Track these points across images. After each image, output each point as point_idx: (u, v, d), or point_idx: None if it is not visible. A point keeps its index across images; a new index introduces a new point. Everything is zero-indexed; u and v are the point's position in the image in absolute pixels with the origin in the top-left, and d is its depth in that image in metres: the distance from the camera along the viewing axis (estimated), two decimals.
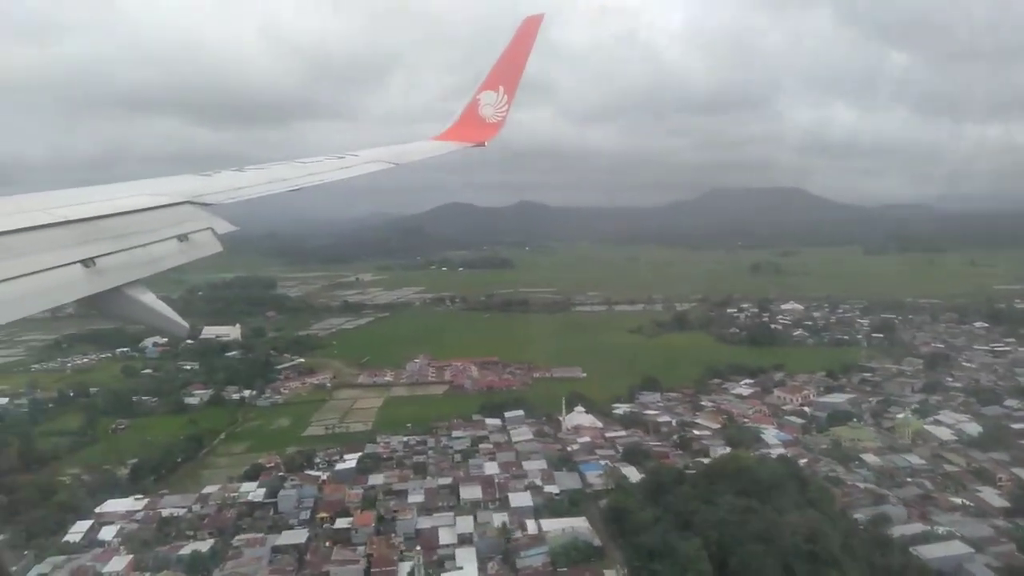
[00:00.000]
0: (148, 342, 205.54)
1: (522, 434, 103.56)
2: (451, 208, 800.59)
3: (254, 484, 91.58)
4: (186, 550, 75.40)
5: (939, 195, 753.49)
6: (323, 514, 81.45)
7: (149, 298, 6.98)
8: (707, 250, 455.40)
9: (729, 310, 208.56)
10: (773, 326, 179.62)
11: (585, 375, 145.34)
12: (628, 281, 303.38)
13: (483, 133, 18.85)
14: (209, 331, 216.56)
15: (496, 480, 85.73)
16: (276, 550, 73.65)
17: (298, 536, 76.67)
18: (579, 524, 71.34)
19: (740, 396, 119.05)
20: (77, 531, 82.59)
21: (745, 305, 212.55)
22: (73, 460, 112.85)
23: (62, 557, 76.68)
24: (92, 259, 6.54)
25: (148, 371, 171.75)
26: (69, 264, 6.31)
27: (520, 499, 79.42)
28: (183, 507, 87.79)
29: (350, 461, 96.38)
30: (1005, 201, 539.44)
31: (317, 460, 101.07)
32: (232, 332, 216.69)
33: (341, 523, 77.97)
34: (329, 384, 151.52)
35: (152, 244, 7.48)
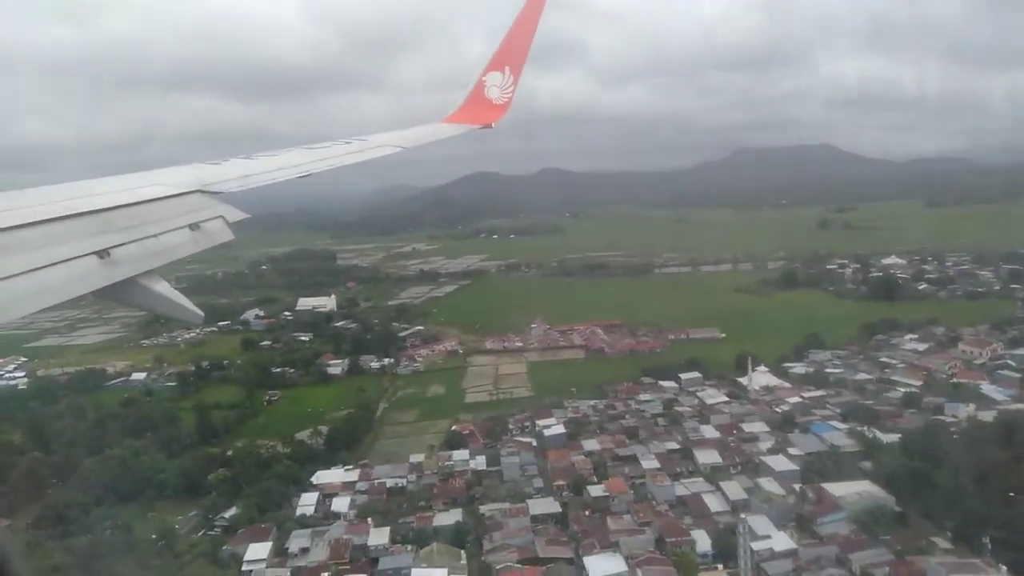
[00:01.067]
0: (250, 314, 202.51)
1: (712, 396, 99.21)
2: (476, 178, 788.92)
3: (465, 452, 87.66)
4: (439, 520, 71.63)
5: (965, 148, 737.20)
6: (560, 481, 77.38)
7: (163, 287, 6.80)
8: (751, 210, 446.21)
9: (828, 266, 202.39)
10: (892, 281, 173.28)
11: (724, 335, 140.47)
12: (695, 242, 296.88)
13: (490, 115, 18.36)
14: (304, 302, 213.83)
15: (728, 443, 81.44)
16: (535, 519, 69.65)
17: (549, 505, 72.54)
18: (867, 488, 66.71)
19: (916, 352, 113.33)
20: (306, 504, 79.06)
21: (841, 261, 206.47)
22: (245, 431, 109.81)
23: (306, 530, 73.18)
24: (106, 250, 6.39)
25: (267, 343, 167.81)
26: (84, 256, 6.18)
27: (777, 463, 74.92)
28: (398, 477, 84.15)
29: (554, 427, 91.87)
30: None
31: (511, 427, 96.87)
32: (328, 303, 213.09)
33: (593, 491, 73.60)
34: (461, 351, 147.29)
35: (164, 234, 7.28)
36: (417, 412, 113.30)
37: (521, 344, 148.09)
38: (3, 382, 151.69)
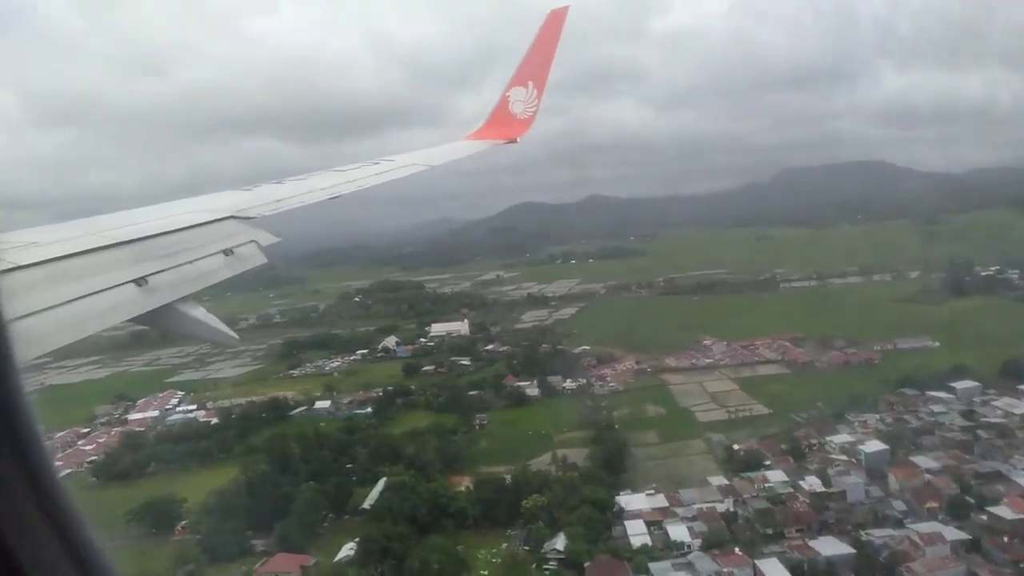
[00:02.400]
0: (389, 342, 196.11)
1: (1012, 404, 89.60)
2: (524, 208, 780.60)
3: (779, 473, 78.97)
4: (819, 548, 62.88)
5: (1015, 157, 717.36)
6: (931, 503, 68.41)
7: (200, 312, 6.87)
8: (826, 227, 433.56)
9: (983, 273, 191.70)
10: None
11: (938, 344, 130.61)
12: (798, 258, 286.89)
13: (514, 130, 18.05)
14: (438, 328, 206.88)
15: None
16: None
17: (948, 530, 63.38)
18: None
19: None
20: (637, 532, 70.79)
21: (994, 268, 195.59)
22: (478, 457, 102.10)
23: (663, 564, 64.76)
24: (144, 278, 6.51)
25: (428, 368, 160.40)
26: (123, 284, 6.30)
27: None
28: (714, 501, 75.69)
29: (872, 444, 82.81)
30: None
31: (802, 445, 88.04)
32: (461, 327, 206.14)
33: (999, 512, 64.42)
34: (648, 369, 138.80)
35: (199, 260, 7.39)
36: (655, 432, 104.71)
37: (710, 361, 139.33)
38: (179, 416, 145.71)
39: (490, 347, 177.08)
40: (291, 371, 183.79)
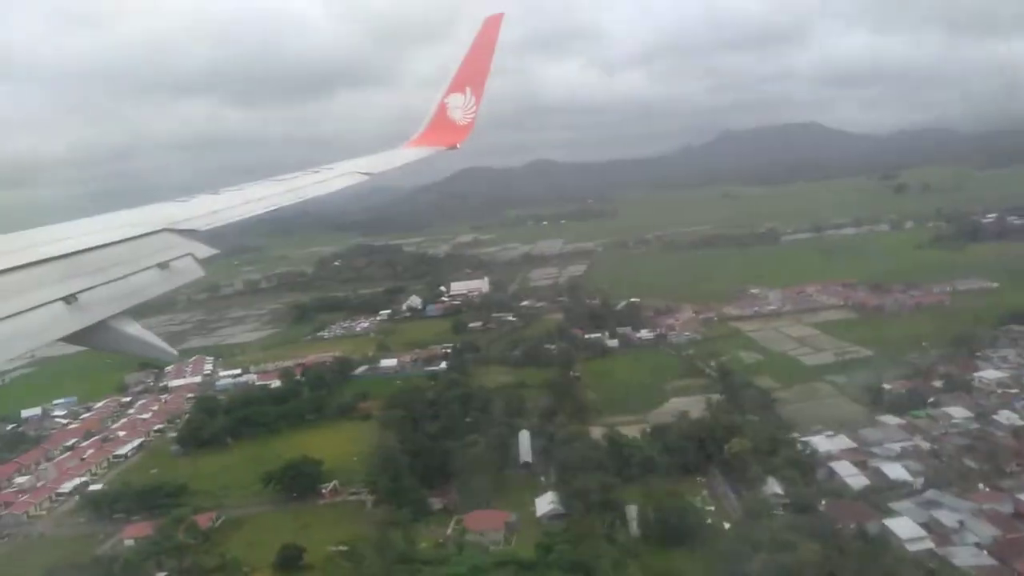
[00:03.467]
0: (414, 302, 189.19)
1: None
2: (470, 173, 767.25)
3: (961, 409, 76.96)
4: None
5: (939, 118, 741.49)
6: None
7: (135, 328, 6.53)
8: (784, 184, 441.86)
9: (984, 221, 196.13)
10: None
11: (996, 284, 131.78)
12: (776, 212, 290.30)
13: (454, 136, 17.83)
14: (458, 287, 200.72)
15: None
16: None
17: None
18: None
19: None
20: (849, 473, 67.53)
21: (991, 216, 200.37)
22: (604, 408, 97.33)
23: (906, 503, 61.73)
24: (74, 295, 6.18)
25: (475, 325, 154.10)
26: (51, 302, 5.97)
27: None
28: (901, 441, 73.22)
29: None
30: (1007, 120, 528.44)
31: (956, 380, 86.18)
32: (482, 285, 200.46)
33: None
34: (715, 318, 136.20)
35: (133, 275, 7.05)
36: (769, 378, 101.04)
37: (773, 308, 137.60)
38: (228, 381, 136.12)
39: (525, 303, 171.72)
40: (319, 333, 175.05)
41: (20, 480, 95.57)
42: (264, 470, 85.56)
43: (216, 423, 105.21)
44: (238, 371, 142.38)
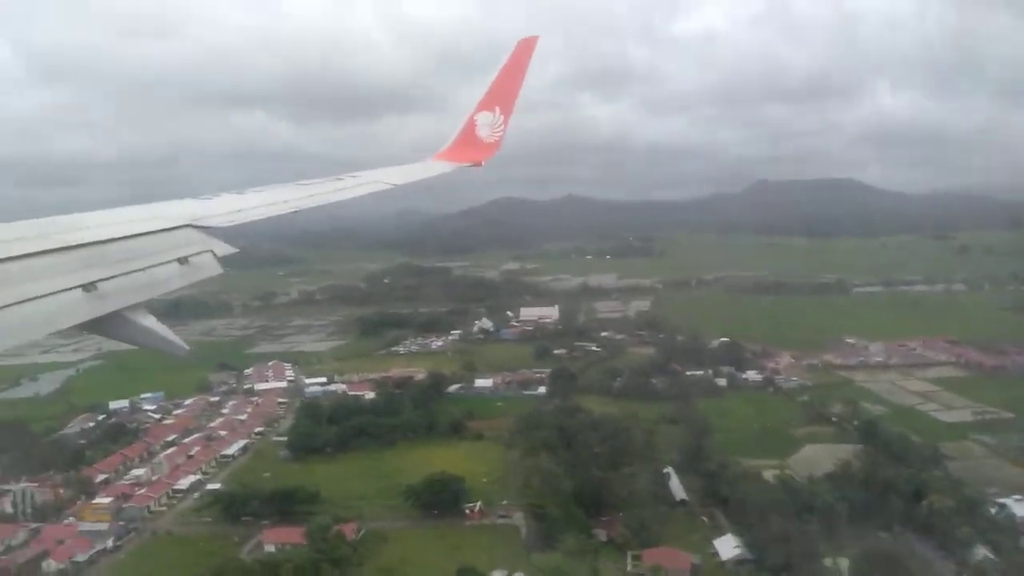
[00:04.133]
0: (485, 322, 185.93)
1: None
2: (503, 203, 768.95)
3: None
4: None
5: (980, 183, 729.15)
6: None
7: (150, 321, 6.57)
8: (827, 239, 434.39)
9: None
10: None
11: None
12: (832, 263, 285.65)
13: (480, 153, 17.84)
14: (527, 313, 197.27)
15: None
16: None
17: None
18: None
19: None
20: None
21: None
22: (739, 451, 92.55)
23: None
24: (93, 283, 6.20)
25: (560, 352, 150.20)
26: (70, 289, 5.98)
27: None
28: None
29: None
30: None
31: None
32: (552, 313, 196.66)
33: None
34: (819, 365, 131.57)
35: (152, 267, 7.09)
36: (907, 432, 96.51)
37: (880, 360, 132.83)
38: (317, 389, 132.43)
39: (604, 333, 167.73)
40: (393, 348, 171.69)
41: (137, 472, 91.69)
42: (383, 483, 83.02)
43: (324, 431, 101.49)
44: (323, 379, 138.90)
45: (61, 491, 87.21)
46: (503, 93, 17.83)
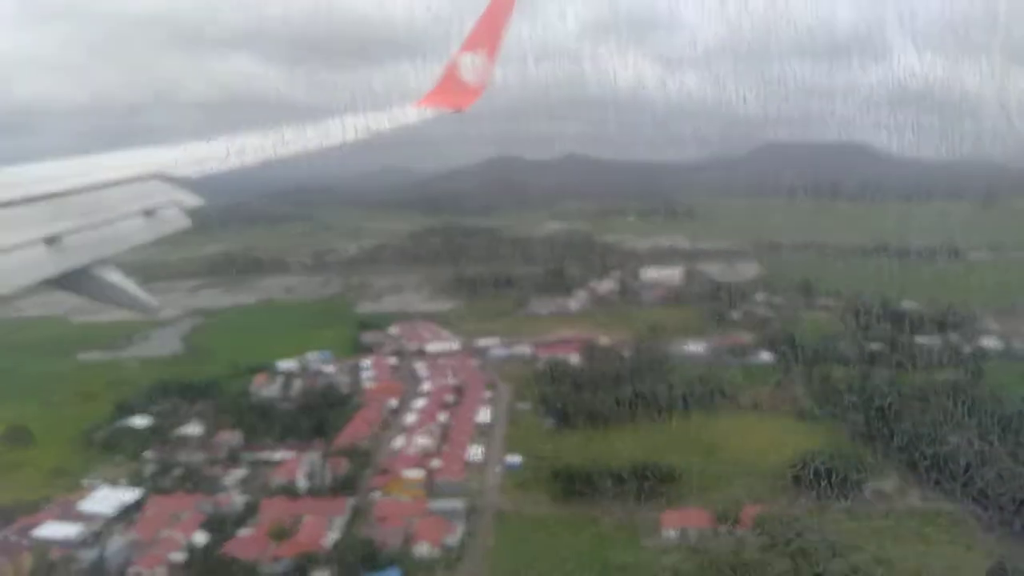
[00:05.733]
0: (610, 285, 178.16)
1: None
2: (501, 162, 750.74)
3: None
4: None
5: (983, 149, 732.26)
6: None
7: (116, 276, 6.36)
8: (863, 202, 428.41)
9: None
10: None
11: None
12: (895, 227, 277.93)
13: (464, 98, 17.07)
14: (648, 274, 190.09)
15: None
16: None
17: None
18: None
19: None
20: None
21: None
22: None
23: None
24: (57, 236, 5.97)
25: (735, 317, 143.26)
26: (32, 243, 5.76)
27: None
28: None
29: None
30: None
31: None
32: (674, 275, 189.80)
33: None
34: None
35: (118, 220, 6.91)
36: None
37: None
38: (503, 352, 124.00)
39: (759, 296, 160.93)
40: (524, 310, 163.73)
41: (423, 442, 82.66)
42: (717, 457, 74.79)
43: (585, 397, 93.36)
44: (495, 340, 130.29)
45: (342, 462, 78.12)
46: (489, 33, 16.70)
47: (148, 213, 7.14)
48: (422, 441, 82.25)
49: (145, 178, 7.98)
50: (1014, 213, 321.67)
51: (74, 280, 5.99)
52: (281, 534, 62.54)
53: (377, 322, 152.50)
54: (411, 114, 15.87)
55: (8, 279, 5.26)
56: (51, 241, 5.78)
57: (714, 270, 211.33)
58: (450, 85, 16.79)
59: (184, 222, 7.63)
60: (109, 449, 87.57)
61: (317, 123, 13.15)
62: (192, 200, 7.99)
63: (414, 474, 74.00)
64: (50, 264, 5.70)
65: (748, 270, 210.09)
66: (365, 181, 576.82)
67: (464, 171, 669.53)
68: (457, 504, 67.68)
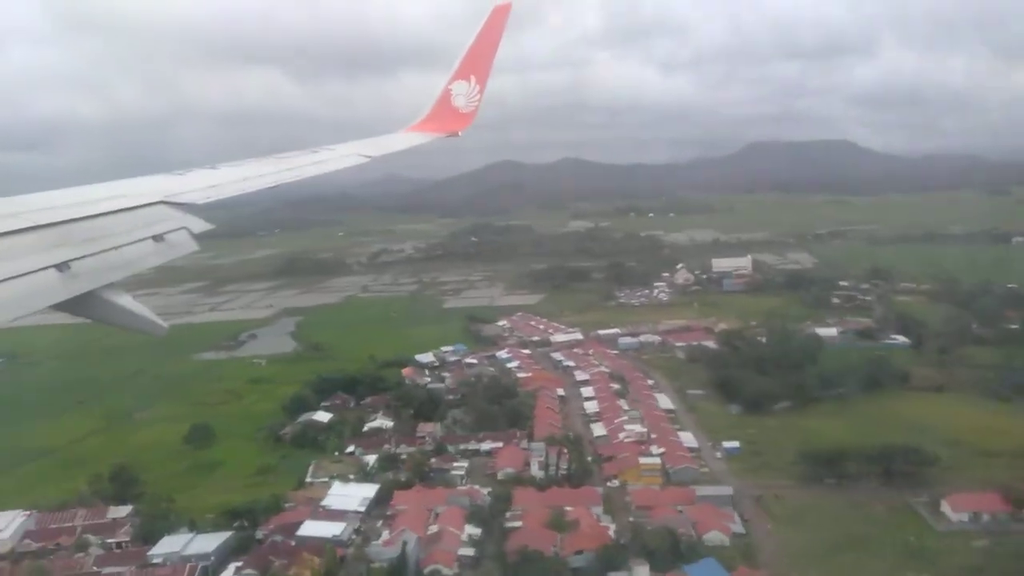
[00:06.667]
0: (681, 275, 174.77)
1: None
2: (501, 167, 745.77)
3: None
4: None
5: (960, 144, 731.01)
6: None
7: (126, 300, 6.32)
8: (848, 194, 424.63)
9: None
10: None
11: None
12: (918, 218, 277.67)
13: (456, 123, 17.18)
14: (719, 264, 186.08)
15: None
16: None
17: None
18: None
19: None
20: None
21: None
22: None
23: None
24: (66, 263, 5.96)
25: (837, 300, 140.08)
26: (43, 269, 5.76)
27: None
28: None
29: None
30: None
31: None
32: (745, 264, 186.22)
33: None
34: None
35: (126, 246, 6.84)
36: None
37: None
38: (632, 341, 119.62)
39: (844, 282, 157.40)
40: (614, 301, 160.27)
41: (635, 428, 78.11)
42: (941, 439, 70.58)
43: (762, 382, 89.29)
44: (614, 329, 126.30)
45: (561, 450, 73.51)
46: (478, 61, 16.77)
47: (157, 238, 7.10)
48: (633, 428, 77.52)
49: (152, 204, 7.93)
50: (1017, 202, 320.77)
51: (85, 304, 5.90)
52: (560, 526, 57.83)
53: (483, 315, 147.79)
54: (406, 139, 15.84)
55: (19, 304, 5.20)
56: (61, 267, 5.77)
57: (769, 259, 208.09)
58: (443, 112, 16.84)
59: (192, 246, 7.45)
60: (301, 444, 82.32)
61: (316, 151, 13.10)
62: (201, 225, 7.85)
63: (648, 461, 69.41)
64: (60, 289, 5.65)
65: (802, 258, 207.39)
66: (371, 189, 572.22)
67: (466, 176, 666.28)
68: (726, 491, 63.26)
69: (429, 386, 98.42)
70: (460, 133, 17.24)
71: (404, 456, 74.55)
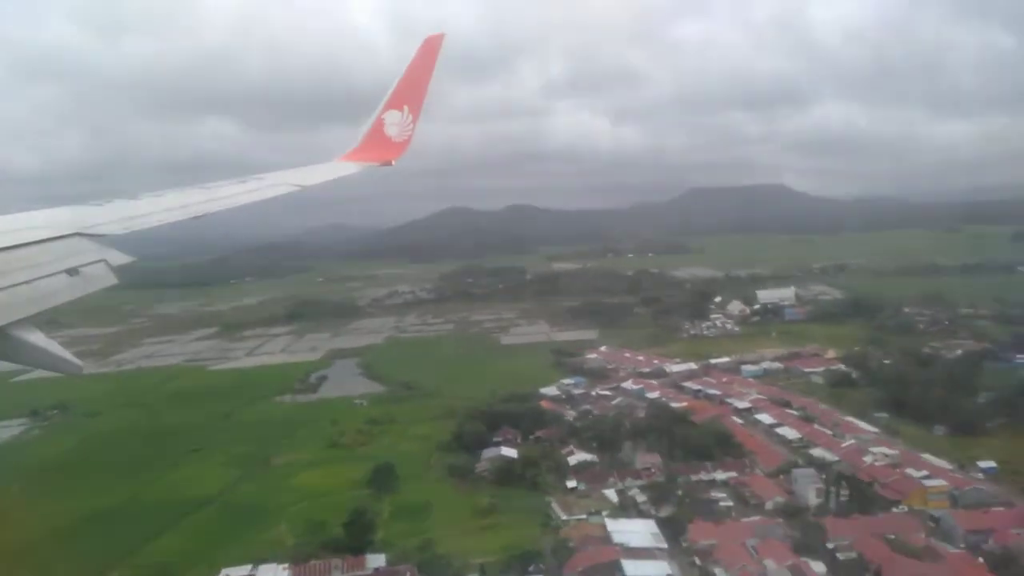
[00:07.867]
0: (735, 306, 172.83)
1: None
2: (452, 213, 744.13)
3: None
4: None
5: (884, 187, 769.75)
6: None
7: (38, 337, 5.84)
8: (803, 234, 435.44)
9: None
10: None
11: None
12: (893, 252, 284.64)
13: (389, 152, 16.67)
14: (764, 295, 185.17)
15: None
16: None
17: None
18: None
19: None
20: None
21: None
22: None
23: None
24: None
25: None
26: None
27: None
28: None
29: None
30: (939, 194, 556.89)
31: None
32: (788, 295, 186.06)
33: None
34: None
35: (38, 280, 6.30)
36: None
37: None
38: (762, 367, 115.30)
39: (907, 310, 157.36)
40: (683, 333, 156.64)
41: (884, 451, 72.65)
42: None
43: (956, 404, 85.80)
44: (727, 359, 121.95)
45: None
46: (410, 91, 16.56)
47: (72, 272, 6.51)
48: (880, 451, 72.18)
49: (67, 236, 7.32)
50: (975, 238, 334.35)
51: None
52: (910, 554, 51.73)
53: (567, 349, 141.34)
54: (338, 168, 15.27)
55: None
56: None
57: (792, 293, 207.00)
58: (375, 141, 16.49)
59: (111, 279, 6.85)
60: (504, 483, 73.71)
61: (244, 180, 12.38)
62: (120, 258, 7.22)
63: (934, 483, 64.13)
64: None
65: (825, 290, 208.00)
66: (319, 236, 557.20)
67: (418, 223, 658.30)
68: None
69: (592, 417, 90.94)
70: (393, 162, 16.58)
71: (648, 488, 67.03)
